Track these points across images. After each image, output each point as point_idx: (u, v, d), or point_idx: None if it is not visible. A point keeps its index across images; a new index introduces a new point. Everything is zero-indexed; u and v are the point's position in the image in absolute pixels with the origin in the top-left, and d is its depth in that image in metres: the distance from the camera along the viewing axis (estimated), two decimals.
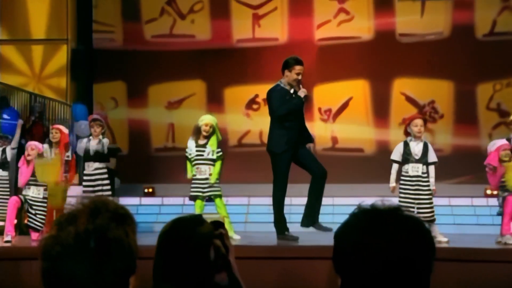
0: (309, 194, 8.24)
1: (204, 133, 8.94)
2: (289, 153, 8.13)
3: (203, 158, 8.92)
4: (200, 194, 8.86)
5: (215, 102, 13.76)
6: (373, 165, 12.27)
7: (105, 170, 9.35)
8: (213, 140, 8.99)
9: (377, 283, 1.66)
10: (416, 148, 8.44)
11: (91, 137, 9.42)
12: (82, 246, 1.69)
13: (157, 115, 13.99)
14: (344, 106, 13.77)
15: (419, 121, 8.51)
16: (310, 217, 8.16)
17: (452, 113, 13.43)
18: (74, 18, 14.15)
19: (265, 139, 8.71)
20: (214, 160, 8.96)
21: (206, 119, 9.08)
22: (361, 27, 13.75)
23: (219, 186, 8.93)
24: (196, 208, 8.85)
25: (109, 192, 9.25)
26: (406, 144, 8.51)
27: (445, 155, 12.48)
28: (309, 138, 8.50)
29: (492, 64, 13.16)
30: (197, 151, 8.94)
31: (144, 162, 13.59)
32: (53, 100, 13.52)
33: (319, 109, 13.72)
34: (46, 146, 9.23)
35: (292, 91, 8.14)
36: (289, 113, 8.12)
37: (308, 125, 13.26)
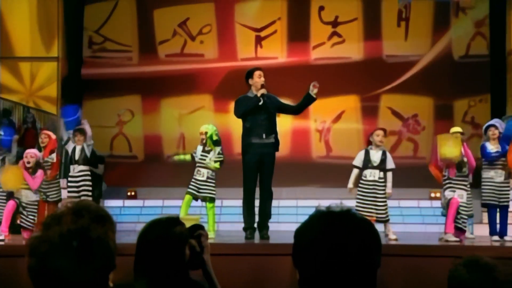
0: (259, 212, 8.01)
1: (202, 141, 8.82)
2: (252, 155, 7.88)
3: (205, 162, 8.77)
4: (195, 193, 8.70)
5: (221, 113, 13.76)
6: None
7: (88, 173, 9.27)
8: (211, 146, 8.83)
9: (330, 276, 1.66)
10: (376, 155, 8.41)
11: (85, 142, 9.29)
12: (66, 245, 1.69)
13: (169, 126, 14.00)
14: (337, 118, 13.77)
15: (380, 132, 8.55)
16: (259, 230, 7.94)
17: (432, 126, 13.45)
18: (63, 37, 13.78)
19: None
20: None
21: (201, 128, 8.94)
22: (352, 48, 13.78)
23: (215, 189, 8.77)
24: (184, 201, 8.69)
25: (90, 193, 9.12)
26: (366, 152, 8.49)
27: (426, 163, 12.49)
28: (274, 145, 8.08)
29: (467, 82, 13.21)
30: (201, 155, 8.82)
31: (156, 167, 13.61)
32: (44, 112, 13.10)
33: (315, 121, 13.75)
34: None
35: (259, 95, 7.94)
36: (245, 113, 7.89)
37: (304, 136, 13.53)
